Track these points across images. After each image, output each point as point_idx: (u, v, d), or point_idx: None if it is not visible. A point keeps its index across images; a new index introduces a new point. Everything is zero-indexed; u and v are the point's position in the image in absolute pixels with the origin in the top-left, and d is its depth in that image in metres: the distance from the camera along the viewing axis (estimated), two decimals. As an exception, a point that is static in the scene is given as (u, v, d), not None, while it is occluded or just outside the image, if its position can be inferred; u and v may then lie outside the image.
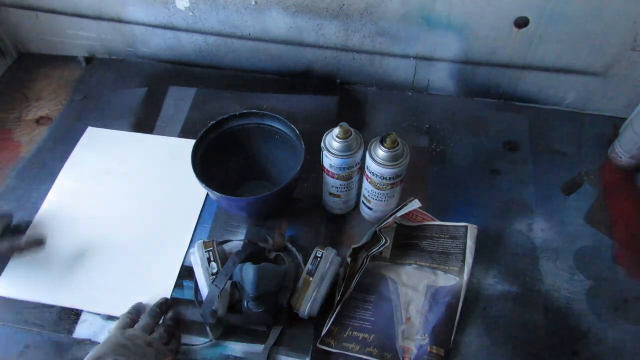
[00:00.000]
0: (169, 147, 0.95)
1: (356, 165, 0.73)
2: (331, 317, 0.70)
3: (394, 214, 0.76)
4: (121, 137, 0.96)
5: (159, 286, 0.76)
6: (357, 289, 0.74)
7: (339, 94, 1.03)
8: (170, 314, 0.72)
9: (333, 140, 0.69)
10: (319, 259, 0.72)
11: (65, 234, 0.83)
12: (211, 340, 0.70)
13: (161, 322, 0.71)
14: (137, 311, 0.71)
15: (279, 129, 0.82)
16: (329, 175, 0.74)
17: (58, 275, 0.78)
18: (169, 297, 0.75)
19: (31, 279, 0.78)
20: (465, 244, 0.77)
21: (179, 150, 0.93)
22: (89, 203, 0.87)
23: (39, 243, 0.79)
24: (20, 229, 0.83)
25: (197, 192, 0.86)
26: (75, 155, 0.93)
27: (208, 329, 0.69)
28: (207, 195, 0.87)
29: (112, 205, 0.87)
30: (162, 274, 0.78)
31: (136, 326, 0.67)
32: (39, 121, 0.99)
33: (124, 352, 0.59)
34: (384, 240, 0.73)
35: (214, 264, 0.71)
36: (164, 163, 0.92)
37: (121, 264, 0.80)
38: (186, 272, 0.78)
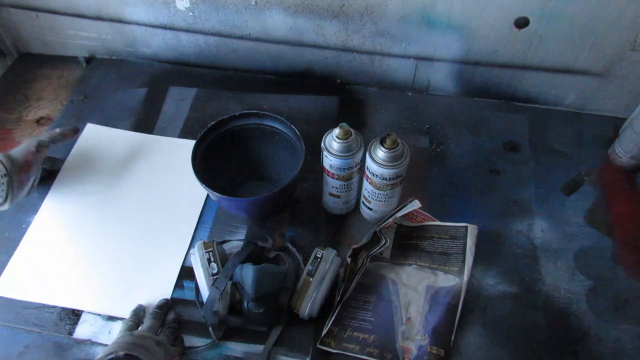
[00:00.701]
0: (169, 147, 0.94)
1: (356, 166, 0.73)
2: (331, 317, 0.70)
3: (393, 214, 0.76)
4: (121, 136, 0.96)
5: (159, 286, 0.77)
6: (357, 289, 0.74)
7: (339, 94, 1.03)
8: (172, 316, 0.72)
9: (333, 141, 0.69)
10: (318, 259, 0.72)
11: (65, 232, 0.83)
12: (213, 341, 0.70)
13: (164, 323, 0.71)
14: (137, 315, 0.71)
15: (279, 129, 0.82)
16: (328, 175, 0.74)
17: (58, 275, 0.78)
18: (169, 297, 0.75)
19: (31, 279, 0.78)
20: (465, 244, 0.77)
21: (179, 150, 0.93)
22: (88, 202, 0.87)
23: (75, 130, 0.88)
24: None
25: (197, 192, 0.86)
26: (75, 153, 0.93)
27: (210, 329, 0.69)
28: (207, 195, 0.87)
29: (112, 205, 0.87)
30: (162, 274, 0.78)
31: (142, 327, 0.67)
32: (39, 121, 0.99)
33: (137, 350, 0.59)
34: (384, 241, 0.73)
35: (214, 264, 0.71)
36: (163, 163, 0.92)
37: (121, 264, 0.79)
38: (186, 272, 0.78)
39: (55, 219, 0.85)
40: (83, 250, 0.81)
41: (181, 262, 0.79)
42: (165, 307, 0.73)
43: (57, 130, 0.85)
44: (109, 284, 0.77)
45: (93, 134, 0.96)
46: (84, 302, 0.75)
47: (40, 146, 0.81)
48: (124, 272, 0.79)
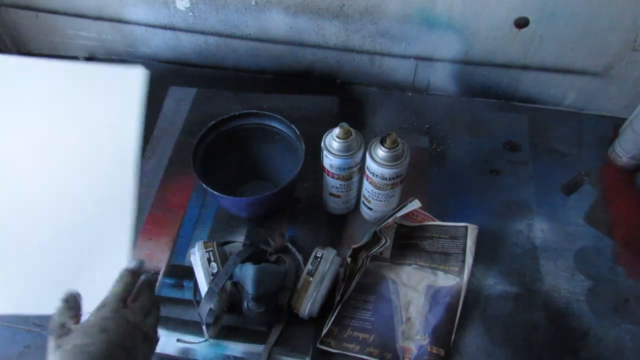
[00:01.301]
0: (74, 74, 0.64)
1: (356, 165, 0.73)
2: (331, 317, 0.70)
3: (394, 214, 0.76)
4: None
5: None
6: (357, 289, 0.74)
7: (339, 94, 1.03)
8: (142, 277, 0.57)
9: (333, 140, 0.69)
10: (318, 259, 0.72)
11: None
12: (206, 340, 0.69)
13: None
14: (73, 299, 0.57)
15: (279, 129, 0.82)
16: (329, 175, 0.74)
17: None
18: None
19: None
20: (465, 244, 0.77)
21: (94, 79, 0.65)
22: None
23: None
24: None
25: (125, 148, 0.63)
26: None
27: (204, 327, 0.69)
28: (206, 193, 0.87)
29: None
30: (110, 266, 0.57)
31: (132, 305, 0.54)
32: (39, 121, 0.99)
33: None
34: (384, 240, 0.73)
35: (214, 264, 0.71)
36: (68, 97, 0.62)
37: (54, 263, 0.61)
38: (186, 272, 0.78)
39: None
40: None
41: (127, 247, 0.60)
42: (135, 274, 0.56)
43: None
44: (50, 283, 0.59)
45: None
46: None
47: None
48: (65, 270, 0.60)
